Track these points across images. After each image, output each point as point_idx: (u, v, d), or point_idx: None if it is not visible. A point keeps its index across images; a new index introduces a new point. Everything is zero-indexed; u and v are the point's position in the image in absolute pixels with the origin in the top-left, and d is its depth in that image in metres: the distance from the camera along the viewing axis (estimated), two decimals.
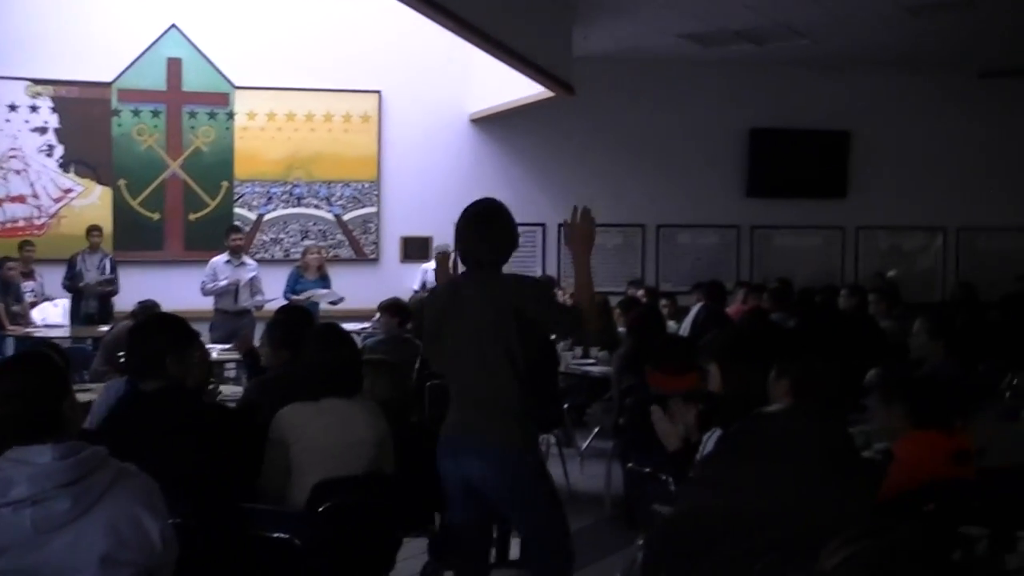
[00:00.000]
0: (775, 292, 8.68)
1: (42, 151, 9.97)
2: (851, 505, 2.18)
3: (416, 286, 10.27)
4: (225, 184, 10.54)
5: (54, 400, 2.19)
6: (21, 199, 9.97)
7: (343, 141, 10.83)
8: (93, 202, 10.09)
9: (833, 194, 12.16)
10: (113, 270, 9.47)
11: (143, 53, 10.17)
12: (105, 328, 7.89)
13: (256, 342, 4.68)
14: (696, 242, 12.01)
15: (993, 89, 11.99)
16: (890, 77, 11.84)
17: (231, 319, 9.01)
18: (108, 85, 10.08)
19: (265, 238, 10.70)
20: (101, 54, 9.94)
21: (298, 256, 10.11)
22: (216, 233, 9.89)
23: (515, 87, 9.50)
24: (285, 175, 10.69)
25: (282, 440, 3.28)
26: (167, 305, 7.05)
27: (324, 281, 9.51)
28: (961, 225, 12.53)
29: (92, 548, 1.97)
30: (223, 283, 9.12)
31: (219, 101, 10.46)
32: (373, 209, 11.00)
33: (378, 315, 6.87)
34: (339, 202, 10.89)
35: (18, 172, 9.92)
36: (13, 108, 9.87)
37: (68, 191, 10.07)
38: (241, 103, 10.50)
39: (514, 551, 4.32)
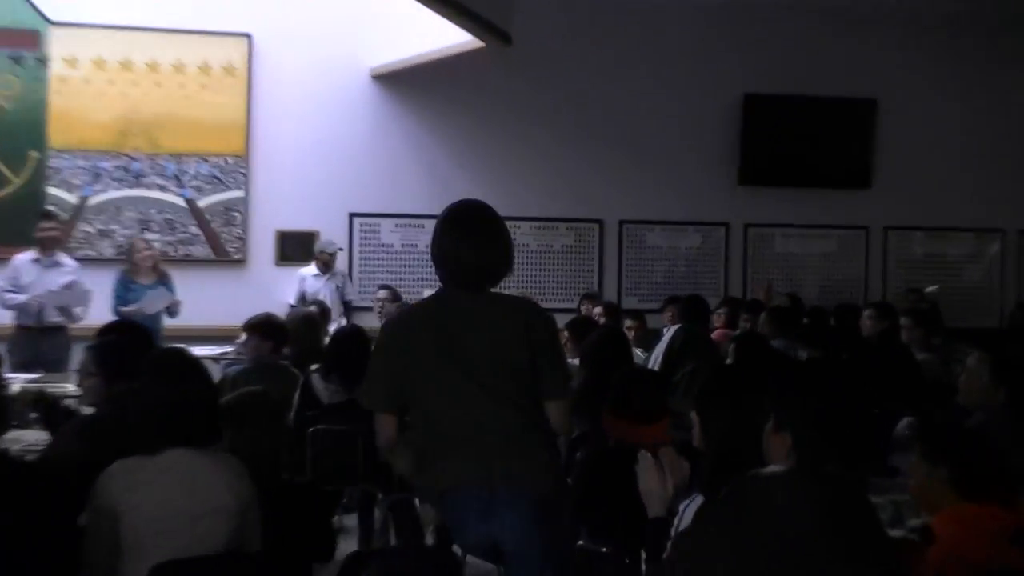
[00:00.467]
0: (776, 312, 8.77)
1: None
2: None
3: (293, 299, 10.46)
4: (34, 155, 10.49)
5: None
6: None
7: (199, 100, 10.85)
8: None
9: (853, 183, 12.26)
10: None
11: None
12: None
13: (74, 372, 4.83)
14: (672, 244, 12.14)
15: None
16: (932, 32, 12.01)
17: (37, 338, 8.97)
18: None
19: (90, 229, 10.65)
20: None
21: None
22: (20, 221, 9.82)
23: (432, 35, 9.56)
24: (118, 144, 10.64)
25: (109, 508, 3.28)
26: None
27: (164, 286, 9.52)
28: None
29: None
30: (21, 299, 9.02)
31: (26, 42, 10.37)
32: (239, 193, 11.01)
33: (244, 336, 6.92)
34: (193, 183, 10.90)
35: None
36: None
37: None
38: (58, 45, 10.43)
39: None
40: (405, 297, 10.26)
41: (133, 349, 4.21)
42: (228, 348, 8.93)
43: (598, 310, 9.42)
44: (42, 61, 10.37)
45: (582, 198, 11.74)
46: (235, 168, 10.99)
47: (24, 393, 6.27)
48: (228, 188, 10.99)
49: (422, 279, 11.03)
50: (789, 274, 12.17)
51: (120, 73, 10.61)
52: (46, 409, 4.92)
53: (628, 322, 9.27)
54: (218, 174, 10.94)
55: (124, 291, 9.36)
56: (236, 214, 11.03)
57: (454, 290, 3.70)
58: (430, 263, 3.81)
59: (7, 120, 10.39)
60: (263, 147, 11.03)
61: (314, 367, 6.25)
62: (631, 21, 11.54)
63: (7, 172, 10.45)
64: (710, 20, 11.63)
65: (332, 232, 11.01)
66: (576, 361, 6.25)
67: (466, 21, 8.56)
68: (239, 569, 3.37)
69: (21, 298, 9.02)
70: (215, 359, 8.52)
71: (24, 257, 9.19)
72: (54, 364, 8.37)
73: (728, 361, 6.90)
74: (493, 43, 9.06)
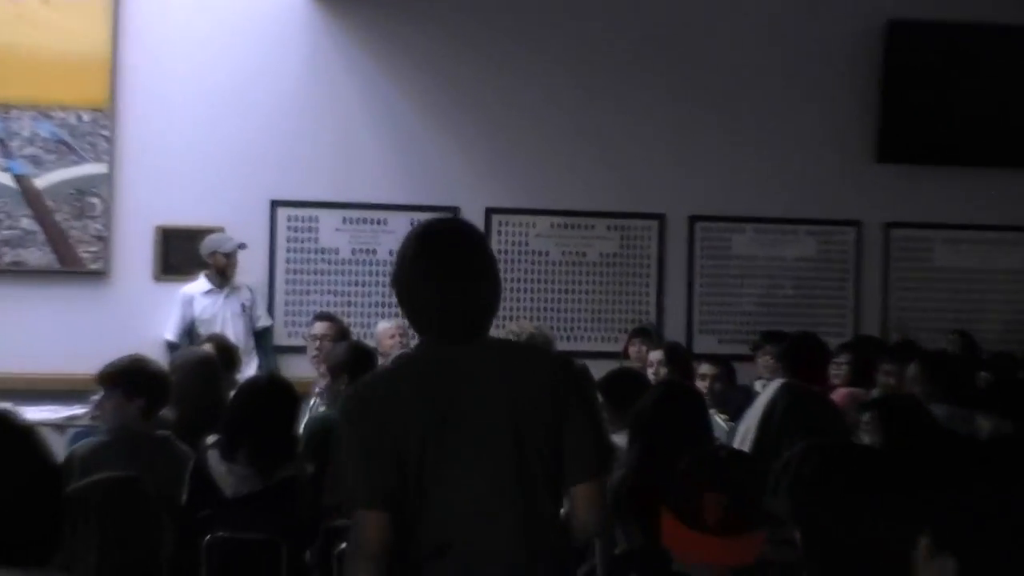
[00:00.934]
0: (935, 361, 8.39)
1: None
2: None
3: (172, 334, 10.38)
4: None
5: None
6: None
7: (41, 24, 10.68)
8: None
9: None
10: None
11: None
12: None
13: None
14: (771, 253, 11.89)
15: None
16: None
17: None
18: None
19: None
20: None
21: None
22: None
23: None
24: None
25: None
26: None
27: None
28: None
29: None
30: None
31: None
32: (99, 168, 10.82)
33: (101, 392, 6.64)
34: (26, 151, 10.69)
35: None
36: None
37: None
38: None
39: None
40: (356, 333, 10.11)
41: None
42: (78, 409, 8.91)
43: (656, 355, 9.19)
44: None
45: (629, 180, 11.54)
46: (93, 129, 10.83)
47: None
48: (82, 160, 10.80)
49: (381, 304, 10.92)
50: (956, 302, 11.99)
51: None
52: None
53: (704, 369, 9.10)
54: (66, 138, 10.76)
55: None
56: (94, 201, 10.82)
57: (437, 344, 3.87)
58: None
59: None
60: (137, 98, 10.90)
61: (211, 440, 6.12)
62: None
63: None
64: None
65: (244, 230, 10.73)
66: (621, 438, 6.36)
67: None
68: None
69: None
70: (57, 426, 8.62)
71: None
72: None
73: (858, 440, 6.49)
74: None
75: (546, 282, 11.45)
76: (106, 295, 10.72)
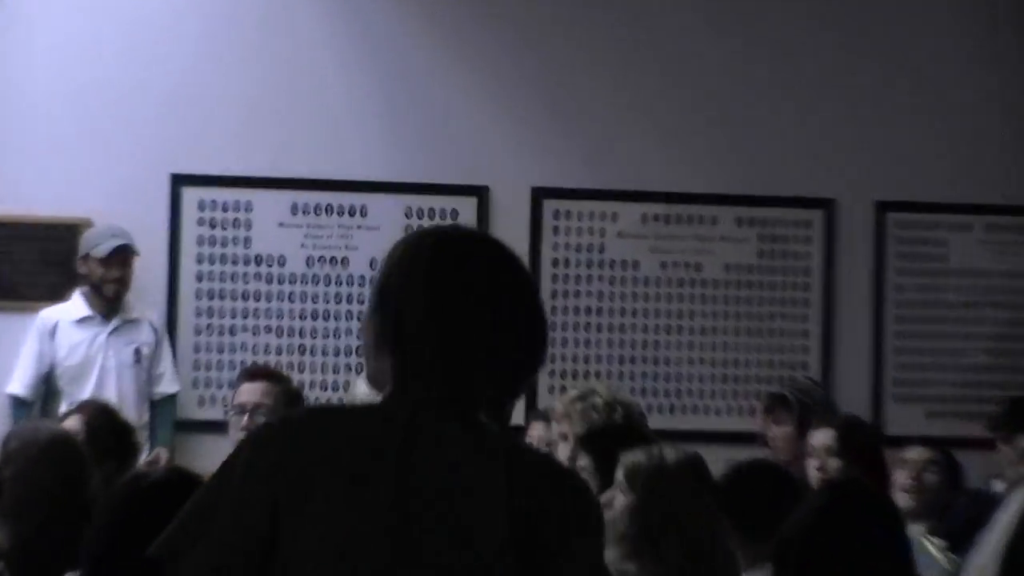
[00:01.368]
0: None
1: None
2: None
3: (21, 385, 8.60)
4: None
5: None
6: None
7: None
8: None
9: None
10: None
11: None
12: None
13: None
14: (1013, 264, 9.73)
15: None
16: None
17: None
18: None
19: None
20: None
21: None
22: None
23: None
24: None
25: None
26: None
27: None
28: None
29: None
30: None
31: None
32: None
33: None
34: None
35: None
36: None
37: None
38: None
39: None
40: (313, 395, 8.83)
41: None
42: None
43: (821, 439, 7.26)
44: None
45: (778, 152, 9.36)
46: None
47: None
48: None
49: (356, 349, 9.11)
50: None
51: None
52: None
53: (910, 454, 7.57)
54: None
55: None
56: None
57: (424, 406, 2.73)
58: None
59: None
60: None
61: None
62: None
63: None
64: None
65: (129, 221, 8.64)
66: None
67: None
68: None
69: None
70: None
71: None
72: None
73: None
74: None
75: (634, 313, 9.12)
76: None
